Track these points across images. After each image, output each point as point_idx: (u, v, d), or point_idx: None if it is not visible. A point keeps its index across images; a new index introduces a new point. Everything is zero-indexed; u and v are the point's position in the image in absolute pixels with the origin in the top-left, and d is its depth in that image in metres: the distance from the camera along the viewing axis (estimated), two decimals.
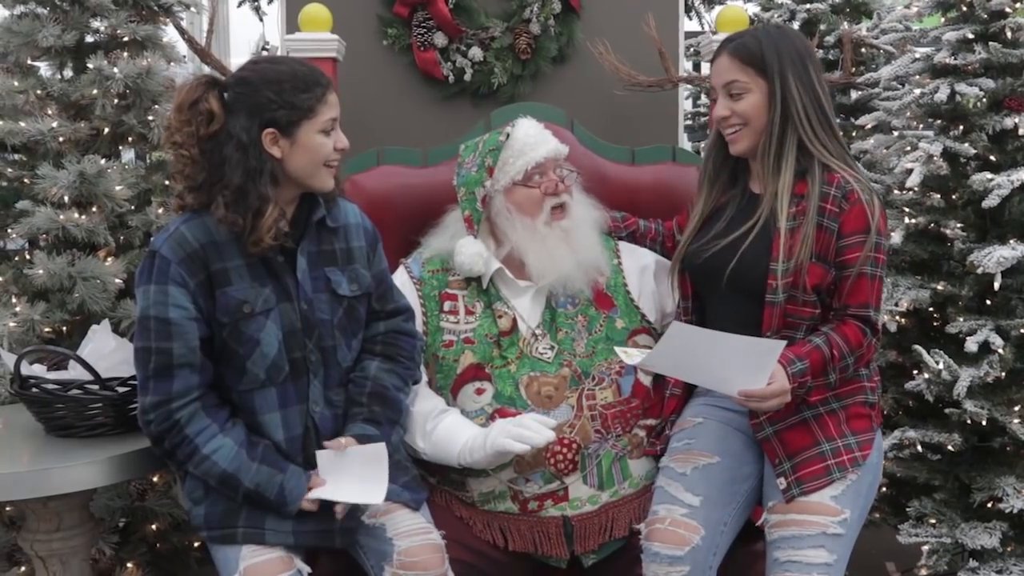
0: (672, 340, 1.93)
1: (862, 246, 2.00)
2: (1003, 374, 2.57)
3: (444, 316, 2.26)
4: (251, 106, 1.88)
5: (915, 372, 2.71)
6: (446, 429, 2.15)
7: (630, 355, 2.11)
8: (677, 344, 1.93)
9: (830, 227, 2.01)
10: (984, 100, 2.73)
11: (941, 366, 2.56)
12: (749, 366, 1.90)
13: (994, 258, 2.50)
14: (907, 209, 2.82)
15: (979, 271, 2.56)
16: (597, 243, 2.31)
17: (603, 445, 2.17)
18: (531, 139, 2.29)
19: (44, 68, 2.95)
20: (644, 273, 2.36)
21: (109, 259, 2.76)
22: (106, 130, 2.85)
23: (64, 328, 2.72)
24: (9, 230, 2.78)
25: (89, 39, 2.91)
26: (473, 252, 2.25)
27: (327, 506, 1.92)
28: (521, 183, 2.26)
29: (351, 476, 1.91)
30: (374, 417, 2.03)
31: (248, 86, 1.90)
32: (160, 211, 2.82)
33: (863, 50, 3.81)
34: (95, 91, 2.77)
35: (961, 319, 2.63)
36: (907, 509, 2.69)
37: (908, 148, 2.82)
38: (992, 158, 2.71)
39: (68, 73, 2.90)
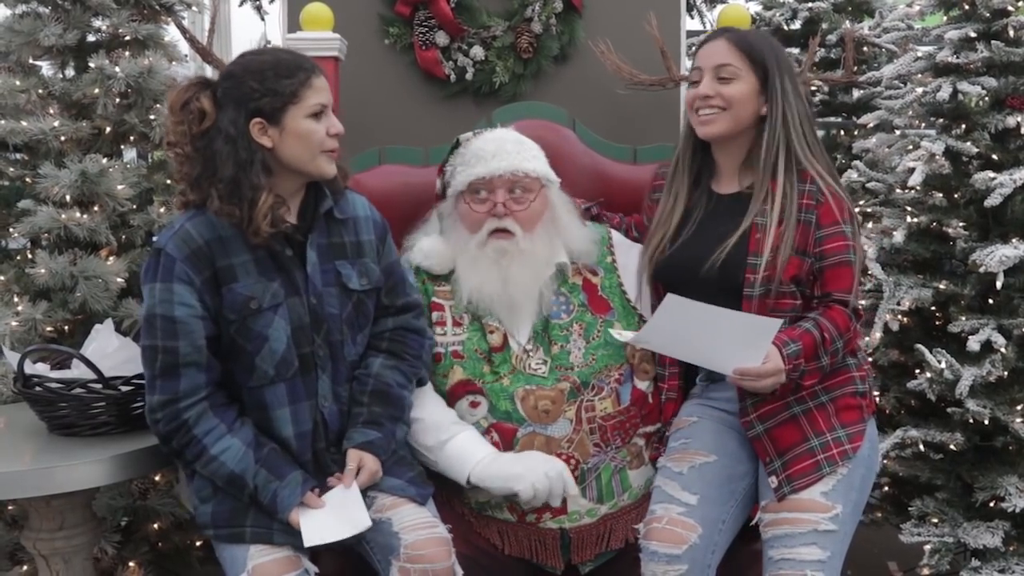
0: (668, 313, 1.92)
1: (841, 236, 2.05)
2: (1005, 373, 2.57)
3: (432, 328, 2.20)
4: (237, 98, 1.90)
5: (917, 371, 2.70)
6: (459, 446, 2.10)
7: (623, 334, 2.11)
8: (673, 317, 1.92)
9: (807, 220, 2.05)
10: (986, 99, 2.73)
11: (943, 365, 2.56)
12: (745, 343, 1.90)
13: (996, 257, 2.50)
14: (909, 208, 2.82)
15: (981, 270, 2.56)
16: (536, 281, 2.17)
17: (602, 459, 2.14)
18: (483, 152, 2.18)
19: (46, 67, 2.95)
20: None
21: (111, 258, 2.76)
22: (108, 129, 2.85)
23: (66, 327, 2.72)
24: (11, 229, 2.78)
25: (91, 38, 2.91)
26: (425, 248, 2.23)
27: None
28: (466, 195, 2.19)
29: (328, 510, 1.92)
30: (374, 418, 2.03)
31: (233, 79, 1.92)
32: (162, 210, 2.82)
33: (865, 49, 3.81)
34: (97, 90, 2.77)
35: (963, 318, 2.62)
36: (909, 508, 2.69)
37: (910, 147, 2.82)
38: (994, 157, 2.71)
39: (70, 72, 2.90)
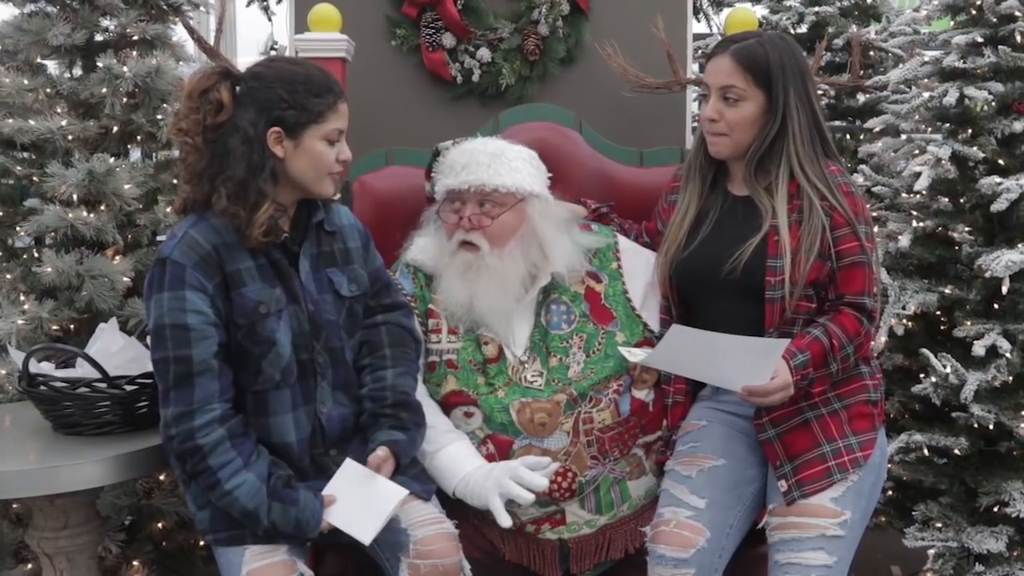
0: (672, 342, 1.93)
1: (854, 236, 2.04)
2: (1010, 378, 2.57)
3: (429, 335, 2.20)
4: (262, 101, 1.89)
5: (922, 376, 2.70)
6: (448, 458, 2.10)
7: (634, 354, 2.10)
8: (677, 346, 1.93)
9: (821, 224, 2.04)
10: (993, 104, 2.73)
11: (948, 370, 2.55)
12: (752, 364, 1.91)
13: (1002, 262, 2.50)
14: (915, 212, 2.82)
15: (987, 275, 2.55)
16: (504, 297, 2.14)
17: (600, 471, 2.12)
18: (456, 164, 2.18)
19: (53, 66, 2.96)
20: (653, 281, 2.26)
21: (117, 257, 2.77)
22: (115, 129, 2.86)
23: (72, 326, 2.73)
24: (18, 228, 2.79)
25: (99, 38, 2.92)
26: (420, 244, 2.23)
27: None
28: (445, 203, 2.21)
29: (357, 500, 1.90)
30: (402, 424, 2.02)
31: (261, 81, 1.91)
32: (168, 210, 2.83)
33: (872, 53, 3.81)
34: (104, 90, 2.78)
35: (968, 323, 2.62)
36: (913, 513, 2.68)
37: (916, 151, 2.82)
38: (1000, 162, 2.71)
39: (77, 71, 2.91)
